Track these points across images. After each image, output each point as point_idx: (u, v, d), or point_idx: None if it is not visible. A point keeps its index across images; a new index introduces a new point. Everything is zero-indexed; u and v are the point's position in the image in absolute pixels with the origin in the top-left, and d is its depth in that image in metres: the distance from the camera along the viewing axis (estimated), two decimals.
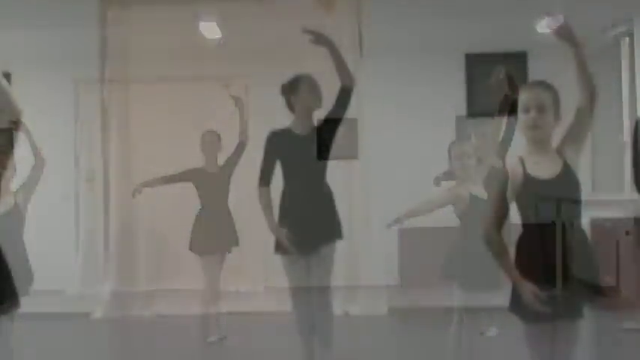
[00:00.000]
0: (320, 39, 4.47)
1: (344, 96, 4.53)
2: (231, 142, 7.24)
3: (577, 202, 3.15)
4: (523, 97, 3.15)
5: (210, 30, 7.38)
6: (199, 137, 6.38)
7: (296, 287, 4.59)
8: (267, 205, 4.57)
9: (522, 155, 3.19)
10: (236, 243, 6.36)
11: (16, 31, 7.50)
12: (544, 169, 3.12)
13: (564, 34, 3.12)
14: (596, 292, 3.14)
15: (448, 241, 4.56)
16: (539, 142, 3.15)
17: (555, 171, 3.11)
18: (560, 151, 3.15)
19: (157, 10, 7.48)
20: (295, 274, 4.56)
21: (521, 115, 3.15)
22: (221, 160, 6.33)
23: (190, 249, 6.22)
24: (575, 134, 3.17)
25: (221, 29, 7.42)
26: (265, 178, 4.59)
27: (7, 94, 3.17)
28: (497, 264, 3.12)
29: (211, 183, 6.24)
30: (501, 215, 3.14)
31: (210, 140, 6.29)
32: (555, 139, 3.21)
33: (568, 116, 3.20)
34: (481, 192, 4.39)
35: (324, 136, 4.56)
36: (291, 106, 4.65)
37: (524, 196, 3.14)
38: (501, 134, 4.43)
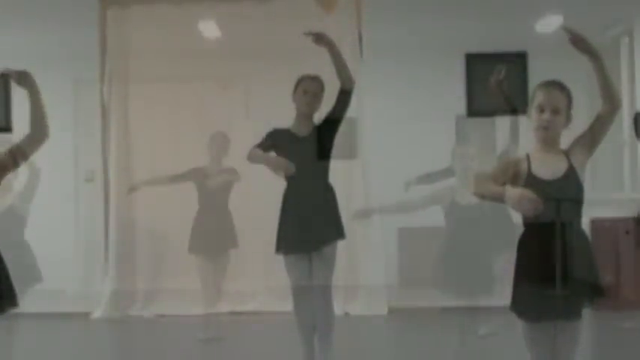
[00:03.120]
0: (321, 39, 4.47)
1: (344, 97, 4.55)
2: (234, 144, 7.25)
3: (578, 203, 3.17)
4: (539, 97, 3.16)
5: (210, 30, 7.38)
6: (208, 137, 6.34)
7: (297, 286, 4.59)
8: (258, 153, 4.55)
9: (529, 153, 3.21)
10: (234, 245, 6.35)
11: (16, 31, 7.51)
12: (548, 169, 3.14)
13: (582, 46, 3.13)
14: (595, 292, 3.15)
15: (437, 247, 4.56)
16: (548, 141, 3.16)
17: (559, 172, 3.13)
18: (568, 153, 3.17)
19: (157, 10, 7.49)
20: (297, 273, 4.56)
21: (534, 114, 3.15)
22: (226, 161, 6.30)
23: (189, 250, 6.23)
24: (590, 140, 3.19)
25: (221, 29, 7.43)
26: (254, 157, 4.62)
27: (44, 116, 3.31)
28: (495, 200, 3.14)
29: (212, 184, 6.22)
30: (494, 179, 3.17)
31: (220, 141, 6.25)
32: (564, 141, 3.23)
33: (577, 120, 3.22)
34: (467, 199, 4.38)
35: (325, 137, 4.57)
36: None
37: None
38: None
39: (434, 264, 4.51)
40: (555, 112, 3.14)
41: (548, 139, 3.16)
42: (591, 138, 3.20)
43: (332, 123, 4.58)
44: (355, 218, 4.63)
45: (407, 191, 4.75)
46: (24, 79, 3.41)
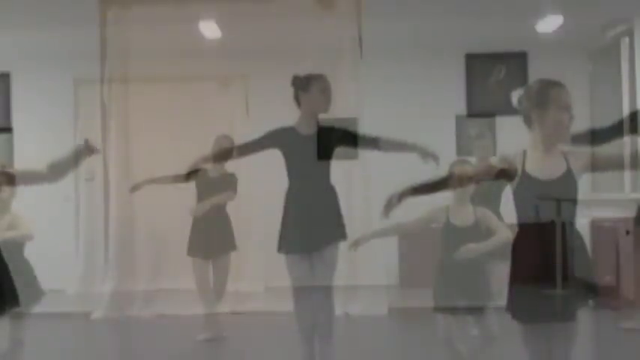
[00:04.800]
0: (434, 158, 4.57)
1: (372, 147, 4.73)
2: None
3: (573, 202, 3.14)
4: (557, 97, 3.12)
5: (210, 30, 7.38)
6: (213, 139, 6.33)
7: (298, 286, 4.59)
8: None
9: (526, 151, 3.17)
10: (232, 248, 6.34)
11: (16, 31, 7.51)
12: (545, 169, 3.11)
13: None
14: (591, 292, 3.14)
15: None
16: (558, 141, 3.14)
17: (556, 173, 3.11)
18: (566, 155, 3.14)
19: (157, 10, 7.48)
20: (298, 273, 4.55)
21: (554, 114, 3.10)
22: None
23: (188, 253, 6.23)
24: (597, 166, 3.17)
25: (221, 29, 7.43)
26: (243, 150, 4.66)
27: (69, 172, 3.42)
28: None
29: (213, 187, 6.21)
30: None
31: (224, 145, 6.20)
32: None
33: None
34: (461, 220, 4.36)
35: (332, 142, 4.55)
36: (298, 102, 4.61)
37: (520, 195, 3.14)
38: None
39: (433, 285, 4.49)
40: (570, 110, 3.12)
41: (566, 138, 3.14)
42: (600, 165, 3.18)
43: (349, 139, 4.66)
44: (352, 248, 4.61)
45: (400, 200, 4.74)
46: (91, 152, 3.50)
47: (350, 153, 7.16)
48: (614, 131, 3.79)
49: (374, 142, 4.66)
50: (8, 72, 7.51)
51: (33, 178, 3.58)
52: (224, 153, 5.78)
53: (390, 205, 3.52)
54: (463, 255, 4.21)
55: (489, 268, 4.62)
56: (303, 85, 4.52)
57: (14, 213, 5.21)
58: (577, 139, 3.39)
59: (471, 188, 4.34)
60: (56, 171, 3.52)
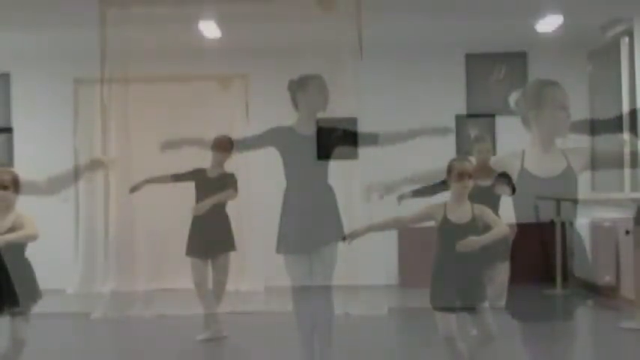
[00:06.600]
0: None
1: (373, 142, 4.79)
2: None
3: (574, 202, 3.14)
4: (553, 95, 3.12)
5: (210, 30, 7.39)
6: (212, 139, 6.32)
7: (297, 286, 4.59)
8: None
9: (525, 150, 3.17)
10: (232, 248, 6.33)
11: (16, 31, 7.51)
12: (546, 167, 3.12)
13: None
14: (591, 291, 3.14)
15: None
16: (555, 139, 3.14)
17: (556, 171, 3.11)
18: (565, 154, 3.13)
19: (157, 10, 7.49)
20: (297, 273, 4.56)
21: (555, 113, 3.10)
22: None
23: (186, 253, 6.22)
24: (596, 159, 3.18)
25: (221, 29, 7.43)
26: (242, 146, 4.69)
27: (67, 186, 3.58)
28: None
29: (212, 187, 6.20)
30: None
31: (224, 145, 6.18)
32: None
33: None
34: (459, 217, 4.34)
35: (331, 141, 4.56)
36: (296, 104, 4.61)
37: (520, 193, 3.13)
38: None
39: (431, 284, 4.47)
40: (567, 109, 3.13)
41: (566, 135, 3.15)
42: (600, 162, 3.19)
43: (349, 138, 4.70)
44: (347, 240, 4.57)
45: (400, 204, 4.73)
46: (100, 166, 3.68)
47: (350, 153, 7.17)
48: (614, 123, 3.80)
49: (373, 138, 4.65)
50: (8, 72, 7.51)
51: (32, 188, 3.66)
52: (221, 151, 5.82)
53: None
54: (464, 247, 4.18)
55: (489, 268, 4.61)
56: (299, 86, 4.56)
57: (18, 212, 5.20)
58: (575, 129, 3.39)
59: (469, 186, 4.33)
60: (55, 185, 3.62)
